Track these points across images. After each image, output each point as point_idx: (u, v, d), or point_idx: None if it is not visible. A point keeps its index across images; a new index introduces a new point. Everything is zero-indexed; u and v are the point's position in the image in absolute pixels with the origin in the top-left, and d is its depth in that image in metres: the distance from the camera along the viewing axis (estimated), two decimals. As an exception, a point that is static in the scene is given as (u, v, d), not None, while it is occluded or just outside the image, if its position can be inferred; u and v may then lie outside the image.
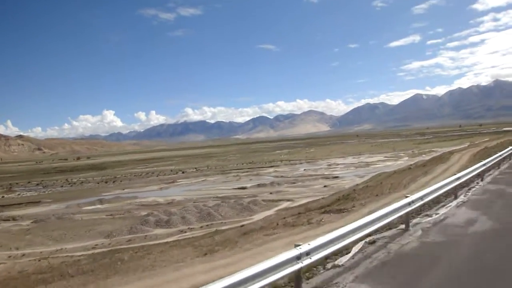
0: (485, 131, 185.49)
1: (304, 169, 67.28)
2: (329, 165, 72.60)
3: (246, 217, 31.08)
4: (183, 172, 79.35)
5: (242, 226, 23.41)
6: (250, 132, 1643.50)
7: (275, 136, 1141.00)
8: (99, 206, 44.76)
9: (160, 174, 79.50)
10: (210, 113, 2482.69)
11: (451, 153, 48.64)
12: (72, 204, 47.03)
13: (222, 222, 29.64)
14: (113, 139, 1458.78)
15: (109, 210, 40.52)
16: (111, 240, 27.86)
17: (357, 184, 40.09)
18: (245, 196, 40.99)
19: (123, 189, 58.86)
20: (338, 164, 72.10)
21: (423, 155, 75.00)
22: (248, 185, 50.06)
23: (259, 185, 48.84)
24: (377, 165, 64.32)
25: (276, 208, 33.32)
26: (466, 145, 76.09)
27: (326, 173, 59.07)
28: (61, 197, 55.19)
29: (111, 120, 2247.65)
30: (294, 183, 49.38)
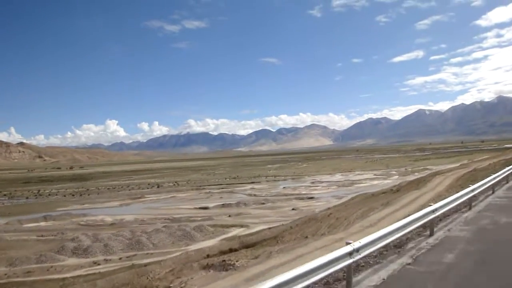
0: (486, 148, 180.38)
1: (284, 187, 62.34)
2: (313, 182, 67.67)
3: (181, 247, 26.23)
4: (158, 187, 74.53)
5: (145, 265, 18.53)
6: (253, 144, 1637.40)
7: (277, 149, 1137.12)
8: (41, 223, 40.04)
9: (134, 188, 74.75)
10: (213, 125, 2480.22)
11: (435, 174, 43.56)
12: (14, 220, 42.30)
13: (148, 253, 24.83)
14: (116, 149, 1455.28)
15: (46, 230, 35.87)
16: (11, 269, 23.19)
17: (328, 208, 35.39)
18: (199, 219, 36.23)
19: (83, 204, 54.12)
20: (322, 182, 67.14)
21: (415, 173, 70.34)
22: (212, 205, 45.15)
23: (223, 205, 43.89)
24: (362, 185, 59.41)
25: (222, 237, 28.42)
26: (458, 165, 71.00)
27: (303, 192, 54.16)
28: (10, 211, 50.40)
29: (114, 130, 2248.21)
30: (263, 203, 44.40)
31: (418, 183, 34.31)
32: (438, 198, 19.80)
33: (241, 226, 31.94)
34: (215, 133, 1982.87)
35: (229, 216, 37.30)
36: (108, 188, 77.16)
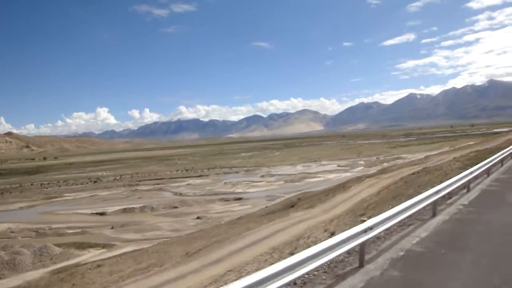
0: (473, 133, 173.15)
1: (225, 182, 55.02)
2: (262, 176, 60.24)
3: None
4: (95, 182, 66.57)
5: None
6: (244, 130, 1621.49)
7: (267, 135, 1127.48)
8: None
9: (70, 183, 66.97)
10: (204, 112, 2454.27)
11: (381, 172, 35.91)
12: None
13: None
14: (107, 137, 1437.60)
15: None
16: None
17: (240, 217, 27.70)
18: (70, 232, 28.47)
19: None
20: (272, 176, 59.52)
21: (384, 163, 63.59)
22: (113, 210, 37.23)
23: (125, 210, 36.20)
24: (314, 179, 52.01)
25: (57, 267, 20.54)
26: (434, 153, 63.58)
27: (238, 190, 46.80)
28: None
29: (104, 118, 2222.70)
30: (175, 207, 36.88)
31: (333, 192, 26.48)
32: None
33: (104, 246, 24.08)
34: (206, 120, 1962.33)
35: (112, 227, 29.45)
36: (42, 184, 69.02)
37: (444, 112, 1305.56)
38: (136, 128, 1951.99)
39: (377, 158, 79.28)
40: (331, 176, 54.39)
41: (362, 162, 72.21)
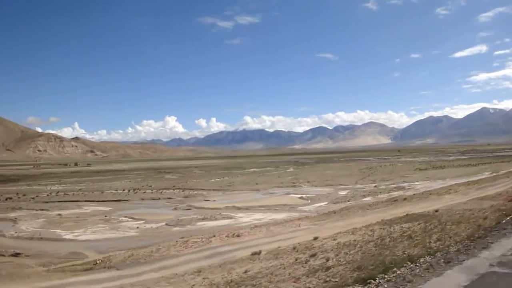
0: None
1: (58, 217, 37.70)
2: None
3: None
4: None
5: None
6: (309, 142, 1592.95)
7: (332, 148, 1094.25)
8: None
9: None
10: (269, 122, 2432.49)
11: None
12: None
13: None
14: (174, 145, 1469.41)
15: None
16: None
17: None
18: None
19: None
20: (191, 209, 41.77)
21: (366, 197, 47.10)
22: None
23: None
24: (207, 224, 33.81)
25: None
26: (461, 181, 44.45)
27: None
28: None
29: (173, 126, 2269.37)
30: None
31: None
32: None
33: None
34: (271, 130, 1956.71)
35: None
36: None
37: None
38: (202, 137, 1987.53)
39: (375, 186, 60.55)
40: (254, 217, 36.19)
41: (342, 193, 53.10)
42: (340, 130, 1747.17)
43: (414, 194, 41.14)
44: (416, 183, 60.56)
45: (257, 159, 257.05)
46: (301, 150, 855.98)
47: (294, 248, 15.54)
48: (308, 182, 71.33)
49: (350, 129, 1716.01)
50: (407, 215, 19.97)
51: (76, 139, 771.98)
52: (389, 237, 14.16)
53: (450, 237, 12.03)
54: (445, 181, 59.80)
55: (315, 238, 16.87)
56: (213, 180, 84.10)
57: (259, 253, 15.40)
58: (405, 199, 34.52)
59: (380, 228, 16.68)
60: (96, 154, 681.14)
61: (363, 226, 18.53)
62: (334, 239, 15.80)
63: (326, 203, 44.52)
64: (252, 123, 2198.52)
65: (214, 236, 21.53)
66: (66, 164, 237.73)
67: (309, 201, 47.37)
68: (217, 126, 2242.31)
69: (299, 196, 51.85)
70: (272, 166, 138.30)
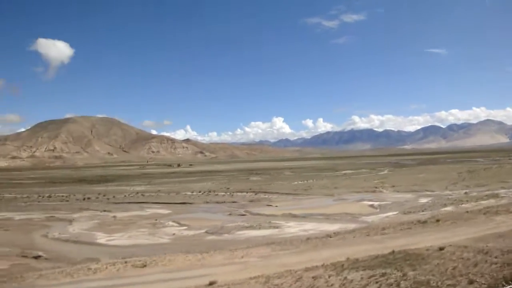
0: None
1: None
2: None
3: None
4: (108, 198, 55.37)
5: None
6: (420, 142, 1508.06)
7: (445, 148, 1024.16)
8: None
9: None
10: (378, 121, 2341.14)
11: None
12: None
13: None
14: (281, 145, 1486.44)
15: None
16: None
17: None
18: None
19: None
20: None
21: (445, 207, 41.44)
22: None
23: None
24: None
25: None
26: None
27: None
28: None
29: (280, 127, 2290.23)
30: None
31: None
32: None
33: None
34: (380, 130, 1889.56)
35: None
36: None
37: None
38: (309, 137, 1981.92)
39: (465, 192, 54.13)
40: (304, 227, 33.40)
41: (422, 201, 47.65)
42: (454, 128, 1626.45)
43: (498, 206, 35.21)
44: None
45: (360, 160, 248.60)
46: (411, 150, 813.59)
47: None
48: (393, 186, 65.72)
49: (464, 128, 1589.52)
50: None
51: (187, 140, 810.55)
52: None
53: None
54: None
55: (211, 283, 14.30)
56: (295, 182, 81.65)
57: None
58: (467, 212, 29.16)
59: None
60: (205, 155, 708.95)
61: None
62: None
63: (396, 213, 39.83)
64: (360, 123, 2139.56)
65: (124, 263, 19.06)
66: (170, 165, 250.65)
67: (378, 209, 42.92)
68: (324, 126, 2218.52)
69: (371, 203, 47.31)
70: (368, 168, 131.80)
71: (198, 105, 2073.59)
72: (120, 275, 16.90)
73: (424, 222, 26.94)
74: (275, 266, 16.30)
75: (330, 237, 24.35)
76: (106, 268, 18.02)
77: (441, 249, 15.17)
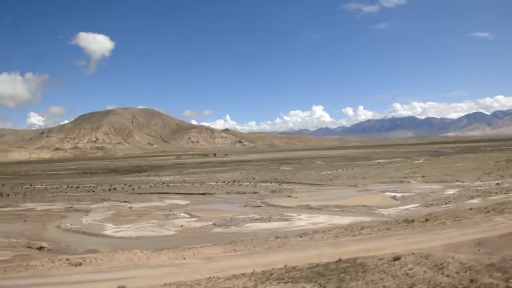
0: None
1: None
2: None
3: None
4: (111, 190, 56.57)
5: None
6: (464, 129, 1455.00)
7: (489, 135, 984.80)
8: None
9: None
10: (420, 109, 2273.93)
11: None
12: None
13: None
14: (321, 134, 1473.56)
15: None
16: None
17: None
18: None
19: None
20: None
21: (472, 200, 40.53)
22: None
23: None
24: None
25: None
26: None
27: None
28: None
29: (320, 115, 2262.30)
30: None
31: None
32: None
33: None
34: (423, 117, 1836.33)
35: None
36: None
37: None
38: (349, 126, 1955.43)
39: (497, 183, 51.41)
40: (315, 220, 32.72)
41: (448, 192, 45.89)
42: (500, 115, 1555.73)
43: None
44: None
45: (399, 148, 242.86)
46: (454, 138, 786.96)
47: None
48: (423, 176, 63.55)
49: (510, 114, 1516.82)
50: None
51: (226, 130, 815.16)
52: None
53: None
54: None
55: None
56: (324, 172, 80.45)
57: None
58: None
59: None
60: (244, 145, 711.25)
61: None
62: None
63: (417, 205, 38.23)
64: (401, 110, 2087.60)
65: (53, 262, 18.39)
66: (206, 155, 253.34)
67: (399, 202, 41.42)
68: (364, 114, 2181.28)
69: (393, 195, 45.77)
70: (402, 157, 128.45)
71: (237, 94, 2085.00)
72: (49, 273, 16.54)
73: (411, 221, 25.48)
74: (208, 271, 15.42)
75: (300, 236, 23.32)
76: (43, 265, 17.83)
77: (396, 259, 13.02)
